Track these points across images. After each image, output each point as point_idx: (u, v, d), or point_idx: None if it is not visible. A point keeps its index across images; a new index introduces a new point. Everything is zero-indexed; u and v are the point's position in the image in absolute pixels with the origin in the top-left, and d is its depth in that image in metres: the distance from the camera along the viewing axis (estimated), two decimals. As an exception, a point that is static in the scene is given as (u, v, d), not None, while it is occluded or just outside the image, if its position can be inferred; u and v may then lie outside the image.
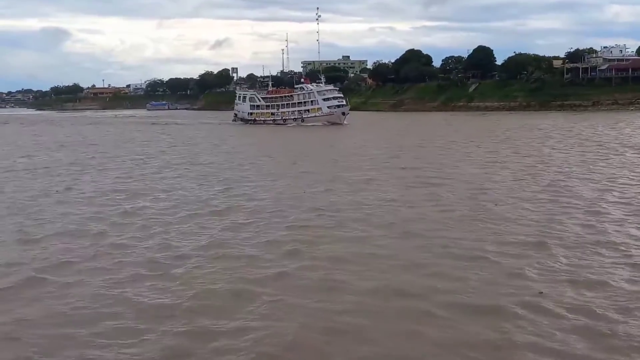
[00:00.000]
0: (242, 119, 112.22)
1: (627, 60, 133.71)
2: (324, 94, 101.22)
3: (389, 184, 32.63)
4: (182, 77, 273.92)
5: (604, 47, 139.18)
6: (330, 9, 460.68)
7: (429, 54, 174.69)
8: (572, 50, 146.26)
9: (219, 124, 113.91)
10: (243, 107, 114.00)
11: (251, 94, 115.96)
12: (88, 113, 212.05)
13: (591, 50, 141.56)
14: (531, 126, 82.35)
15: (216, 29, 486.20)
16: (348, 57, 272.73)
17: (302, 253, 18.69)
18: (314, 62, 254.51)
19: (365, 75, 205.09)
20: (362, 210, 25.07)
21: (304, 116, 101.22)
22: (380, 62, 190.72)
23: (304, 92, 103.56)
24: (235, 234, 21.24)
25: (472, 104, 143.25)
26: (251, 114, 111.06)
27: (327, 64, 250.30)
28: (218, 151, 56.75)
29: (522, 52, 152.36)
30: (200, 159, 48.48)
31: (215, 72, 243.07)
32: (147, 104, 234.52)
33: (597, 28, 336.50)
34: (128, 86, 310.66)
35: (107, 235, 21.60)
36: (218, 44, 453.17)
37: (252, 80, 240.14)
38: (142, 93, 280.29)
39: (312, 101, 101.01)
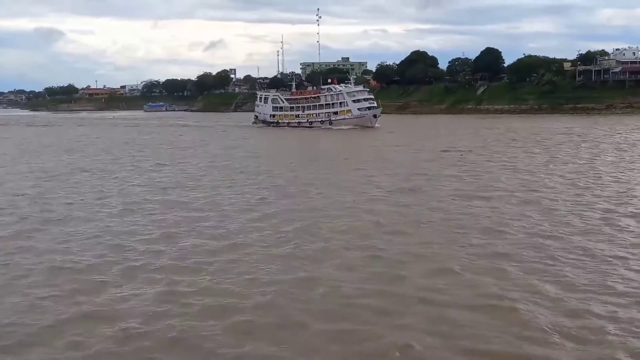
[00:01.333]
0: (264, 121, 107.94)
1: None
2: (354, 95, 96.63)
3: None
4: (179, 78, 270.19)
5: (615, 49, 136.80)
6: (323, 11, 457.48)
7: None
8: (579, 52, 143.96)
9: (238, 126, 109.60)
10: (264, 109, 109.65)
11: (274, 95, 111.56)
12: (84, 114, 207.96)
13: (603, 53, 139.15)
14: (568, 130, 79.49)
15: (209, 30, 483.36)
16: (347, 58, 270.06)
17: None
18: (312, 63, 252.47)
19: (369, 77, 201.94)
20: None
21: (332, 119, 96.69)
22: (384, 63, 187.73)
23: (332, 93, 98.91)
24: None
25: (482, 106, 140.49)
26: (273, 116, 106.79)
27: (326, 65, 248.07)
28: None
29: (514, 55, 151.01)
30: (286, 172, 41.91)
31: (210, 73, 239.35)
32: (145, 105, 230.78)
33: (588, 32, 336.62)
34: (123, 87, 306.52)
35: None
36: (212, 45, 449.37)
37: (251, 82, 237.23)
38: (138, 94, 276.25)
39: (340, 103, 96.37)
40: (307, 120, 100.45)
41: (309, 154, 56.17)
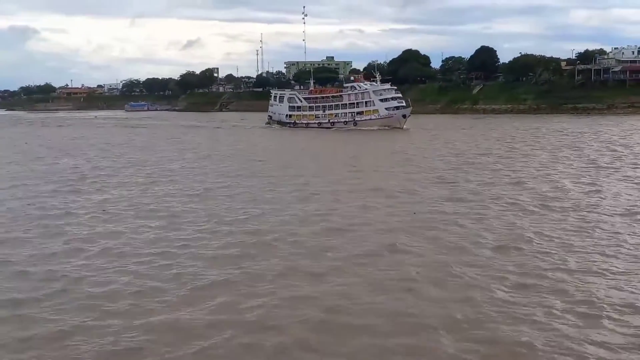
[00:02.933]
0: (279, 122, 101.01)
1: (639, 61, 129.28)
2: (381, 94, 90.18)
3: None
4: (159, 77, 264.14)
5: (614, 48, 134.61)
6: (299, 10, 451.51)
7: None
8: (577, 52, 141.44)
9: (249, 128, 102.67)
10: (280, 109, 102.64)
11: (290, 94, 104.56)
12: (62, 114, 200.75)
13: (602, 52, 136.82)
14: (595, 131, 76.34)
15: (186, 30, 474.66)
16: (332, 57, 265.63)
17: None
18: (297, 62, 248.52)
19: (358, 76, 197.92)
20: None
21: (356, 119, 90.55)
22: (375, 62, 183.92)
23: (356, 91, 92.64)
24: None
25: (478, 106, 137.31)
26: (290, 116, 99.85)
27: (311, 64, 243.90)
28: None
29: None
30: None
31: (194, 72, 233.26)
32: (126, 105, 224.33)
33: (562, 32, 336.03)
34: (100, 86, 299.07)
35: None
36: (189, 44, 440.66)
37: (235, 81, 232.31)
38: (117, 93, 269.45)
39: (366, 102, 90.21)
40: (329, 120, 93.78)
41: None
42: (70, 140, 78.97)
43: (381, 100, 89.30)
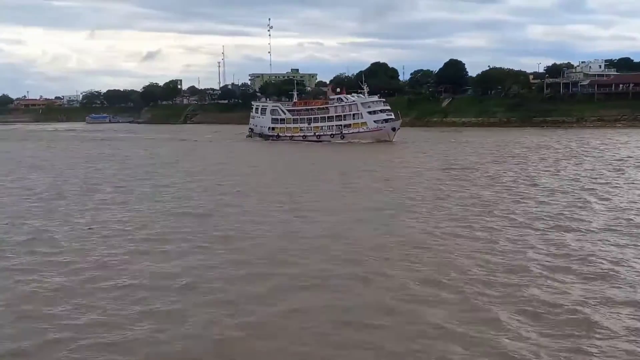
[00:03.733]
0: (261, 135, 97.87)
1: (607, 75, 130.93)
2: (369, 106, 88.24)
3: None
4: (121, 89, 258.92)
5: (581, 62, 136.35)
6: (259, 22, 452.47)
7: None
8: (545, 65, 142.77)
9: (231, 141, 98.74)
10: (262, 121, 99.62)
11: (273, 106, 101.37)
12: (19, 126, 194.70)
13: (569, 66, 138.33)
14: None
15: (144, 42, 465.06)
16: (297, 70, 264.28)
17: None
18: (262, 74, 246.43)
19: (325, 89, 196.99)
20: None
21: (344, 132, 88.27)
22: (343, 74, 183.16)
23: (343, 103, 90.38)
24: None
25: (448, 119, 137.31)
26: (273, 129, 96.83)
27: (276, 77, 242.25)
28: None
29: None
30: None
31: (157, 84, 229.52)
32: (87, 117, 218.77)
33: (519, 47, 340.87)
34: (59, 98, 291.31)
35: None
36: (149, 55, 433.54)
37: (200, 93, 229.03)
38: (77, 105, 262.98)
39: (354, 114, 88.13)
40: (314, 133, 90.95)
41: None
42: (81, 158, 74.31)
43: (369, 112, 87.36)
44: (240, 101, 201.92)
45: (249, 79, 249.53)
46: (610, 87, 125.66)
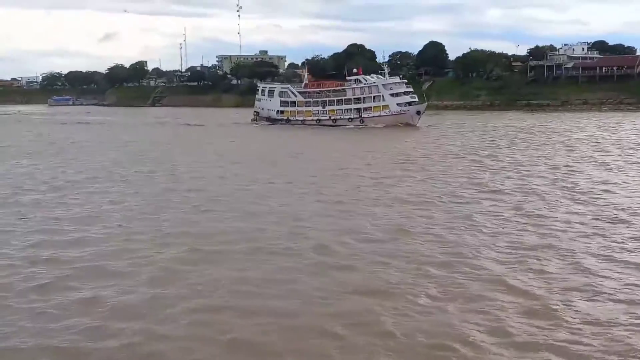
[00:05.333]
0: (269, 119, 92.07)
1: (591, 58, 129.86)
2: (391, 88, 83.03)
3: None
4: (83, 71, 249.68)
5: (564, 44, 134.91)
6: (216, 3, 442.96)
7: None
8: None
9: (235, 125, 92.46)
10: (269, 104, 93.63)
11: (282, 88, 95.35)
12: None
13: (552, 48, 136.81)
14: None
15: (102, 22, 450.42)
16: (266, 52, 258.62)
17: None
18: (230, 56, 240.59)
19: (299, 71, 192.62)
20: None
21: (363, 115, 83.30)
22: (320, 56, 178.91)
23: (362, 85, 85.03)
24: None
25: (430, 102, 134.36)
26: (282, 112, 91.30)
27: (244, 58, 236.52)
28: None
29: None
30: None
31: (123, 65, 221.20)
32: (49, 99, 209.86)
33: (476, 30, 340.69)
34: (15, 79, 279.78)
35: None
36: (107, 37, 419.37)
37: (167, 75, 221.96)
38: (37, 87, 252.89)
39: (375, 97, 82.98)
40: (330, 117, 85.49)
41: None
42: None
43: (392, 95, 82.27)
44: (210, 83, 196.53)
45: (217, 61, 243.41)
46: (595, 70, 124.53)
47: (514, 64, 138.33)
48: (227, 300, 15.54)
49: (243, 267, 18.14)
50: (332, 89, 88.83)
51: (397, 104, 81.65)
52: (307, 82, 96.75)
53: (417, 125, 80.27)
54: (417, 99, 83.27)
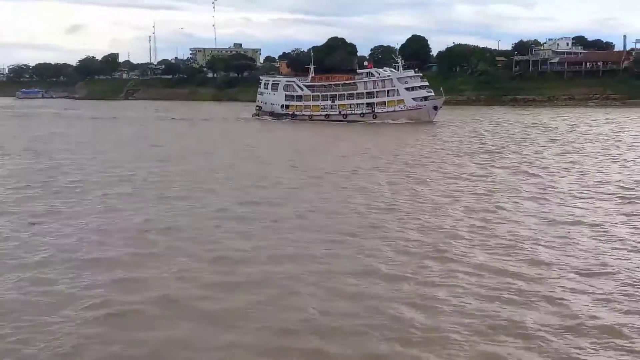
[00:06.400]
0: (272, 113, 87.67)
1: (575, 53, 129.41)
2: (407, 82, 79.54)
3: None
4: (52, 63, 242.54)
5: (549, 39, 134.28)
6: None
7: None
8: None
9: (237, 121, 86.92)
10: (273, 98, 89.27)
11: (288, 81, 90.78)
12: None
13: (537, 43, 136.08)
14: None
15: (69, 13, 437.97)
16: (240, 45, 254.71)
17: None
18: (204, 49, 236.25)
19: (277, 64, 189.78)
20: None
21: (376, 110, 79.73)
22: (299, 50, 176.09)
23: (374, 79, 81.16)
24: None
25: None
26: (287, 106, 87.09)
27: (219, 51, 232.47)
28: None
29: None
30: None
31: (94, 57, 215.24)
32: (18, 92, 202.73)
33: (446, 26, 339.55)
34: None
35: None
36: (74, 29, 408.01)
37: (141, 67, 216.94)
38: (4, 79, 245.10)
39: (389, 91, 79.48)
40: (340, 112, 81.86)
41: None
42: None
43: (407, 89, 78.88)
44: (184, 76, 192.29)
45: (190, 54, 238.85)
46: (580, 65, 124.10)
47: (497, 58, 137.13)
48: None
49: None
50: (342, 82, 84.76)
51: (413, 99, 78.26)
52: (312, 75, 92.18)
53: (434, 120, 76.81)
54: (433, 93, 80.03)
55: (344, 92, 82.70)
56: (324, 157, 43.48)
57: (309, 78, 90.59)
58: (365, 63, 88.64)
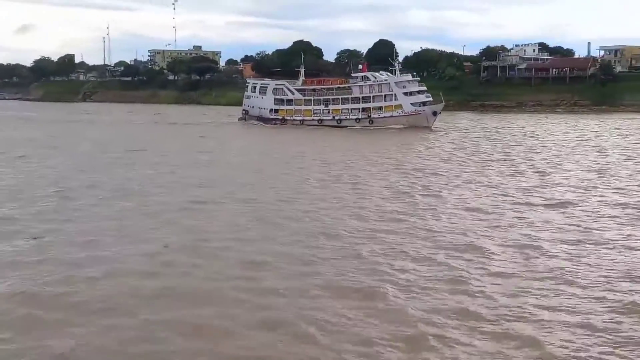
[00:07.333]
0: (260, 118, 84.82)
1: (541, 60, 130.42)
2: (404, 86, 77.44)
3: None
4: (4, 63, 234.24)
5: (515, 45, 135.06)
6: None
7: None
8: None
9: (230, 124, 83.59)
10: (261, 102, 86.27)
11: (277, 85, 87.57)
12: None
13: (503, 49, 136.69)
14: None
15: (16, 13, 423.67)
16: (200, 47, 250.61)
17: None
18: (163, 51, 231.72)
19: (240, 67, 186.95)
20: None
21: (372, 115, 77.41)
22: (264, 53, 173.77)
23: (371, 82, 78.98)
24: None
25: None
26: (277, 111, 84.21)
27: (178, 53, 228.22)
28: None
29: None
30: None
31: (50, 58, 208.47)
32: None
33: (401, 31, 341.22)
34: None
35: None
36: (24, 29, 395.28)
37: (99, 69, 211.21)
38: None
39: (386, 96, 77.35)
40: (334, 117, 79.36)
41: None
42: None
43: (405, 93, 76.73)
44: (144, 78, 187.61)
45: (149, 55, 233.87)
46: (548, 72, 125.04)
47: (465, 63, 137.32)
48: None
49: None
50: (336, 86, 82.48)
51: (412, 104, 76.14)
52: (303, 78, 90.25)
53: (432, 127, 74.78)
54: (431, 99, 77.85)
55: (338, 97, 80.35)
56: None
57: (300, 81, 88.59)
58: (360, 66, 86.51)
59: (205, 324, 13.56)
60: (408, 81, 79.14)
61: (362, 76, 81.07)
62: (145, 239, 20.49)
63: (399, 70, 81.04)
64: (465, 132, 71.68)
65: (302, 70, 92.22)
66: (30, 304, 14.55)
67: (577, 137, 64.61)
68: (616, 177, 35.54)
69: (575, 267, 17.72)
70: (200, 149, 51.64)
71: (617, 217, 24.50)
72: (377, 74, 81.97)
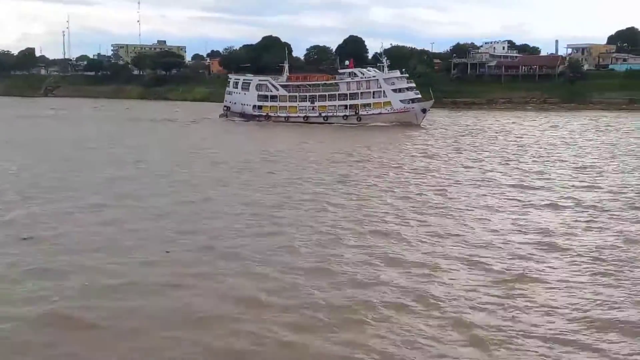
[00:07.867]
0: (243, 115, 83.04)
1: (511, 57, 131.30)
2: (393, 83, 76.29)
3: None
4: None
5: (485, 42, 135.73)
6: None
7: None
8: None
9: (190, 123, 79.89)
10: (244, 98, 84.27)
11: (261, 80, 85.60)
12: None
13: (473, 46, 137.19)
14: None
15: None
16: (164, 42, 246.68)
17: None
18: (127, 45, 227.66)
19: (206, 62, 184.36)
20: None
21: (360, 113, 76.08)
22: (232, 48, 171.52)
23: (358, 79, 77.65)
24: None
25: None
26: (260, 107, 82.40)
27: (142, 48, 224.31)
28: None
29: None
30: None
31: (10, 52, 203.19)
32: None
33: (363, 28, 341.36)
34: None
35: None
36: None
37: (62, 63, 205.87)
38: None
39: (374, 92, 76.04)
40: (320, 114, 78.31)
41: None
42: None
43: (394, 90, 75.67)
44: (108, 73, 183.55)
45: (112, 50, 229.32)
46: (517, 69, 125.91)
47: (436, 61, 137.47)
48: None
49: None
50: (323, 82, 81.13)
51: (401, 101, 75.37)
52: (288, 74, 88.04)
53: (421, 124, 74.20)
54: (420, 95, 77.12)
55: (324, 93, 79.13)
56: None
57: (284, 77, 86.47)
58: (347, 62, 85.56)
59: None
60: (397, 77, 78.15)
61: (349, 72, 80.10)
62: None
63: (387, 67, 79.68)
64: (446, 130, 71.33)
65: (286, 66, 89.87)
66: None
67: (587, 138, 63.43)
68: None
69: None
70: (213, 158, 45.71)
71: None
72: (365, 70, 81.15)
